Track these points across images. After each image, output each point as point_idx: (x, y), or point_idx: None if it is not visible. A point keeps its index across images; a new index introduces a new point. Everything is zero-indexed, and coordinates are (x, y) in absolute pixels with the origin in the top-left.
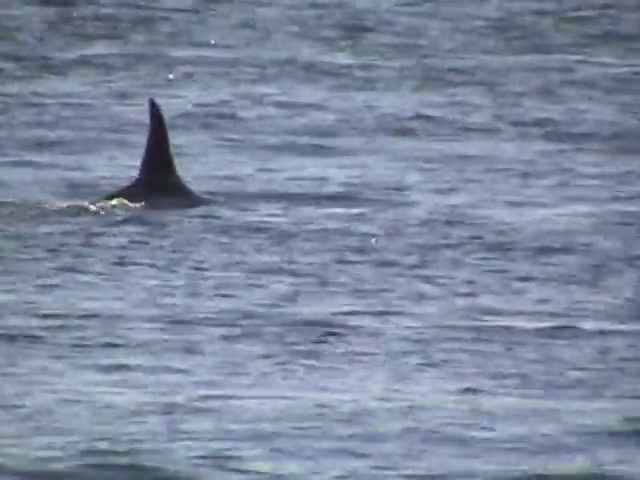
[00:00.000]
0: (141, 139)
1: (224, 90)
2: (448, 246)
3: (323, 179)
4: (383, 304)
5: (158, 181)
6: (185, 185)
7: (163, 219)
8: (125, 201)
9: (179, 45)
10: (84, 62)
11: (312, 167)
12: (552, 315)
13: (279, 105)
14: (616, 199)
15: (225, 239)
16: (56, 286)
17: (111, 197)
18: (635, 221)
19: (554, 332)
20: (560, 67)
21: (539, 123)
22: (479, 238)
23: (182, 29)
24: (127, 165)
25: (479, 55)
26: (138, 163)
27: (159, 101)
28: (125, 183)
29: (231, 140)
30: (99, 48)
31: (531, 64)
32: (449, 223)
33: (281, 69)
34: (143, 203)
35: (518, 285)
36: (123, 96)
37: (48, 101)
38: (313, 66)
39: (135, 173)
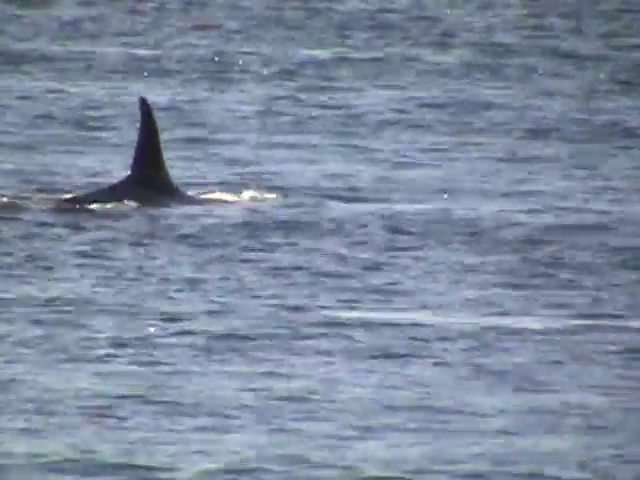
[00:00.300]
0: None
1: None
2: (395, 241)
3: (274, 174)
4: (324, 299)
5: (148, 177)
6: (172, 182)
7: (147, 215)
8: (113, 197)
9: (101, 41)
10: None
11: (262, 164)
12: (490, 311)
13: (219, 102)
14: (565, 196)
15: (200, 234)
16: (23, 275)
17: (101, 193)
18: (579, 219)
19: (490, 329)
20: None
21: (495, 117)
22: (429, 232)
23: (110, 25)
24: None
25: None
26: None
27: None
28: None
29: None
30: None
31: (480, 59)
32: (398, 217)
33: (219, 65)
34: (131, 199)
35: (460, 279)
36: (51, 91)
37: None
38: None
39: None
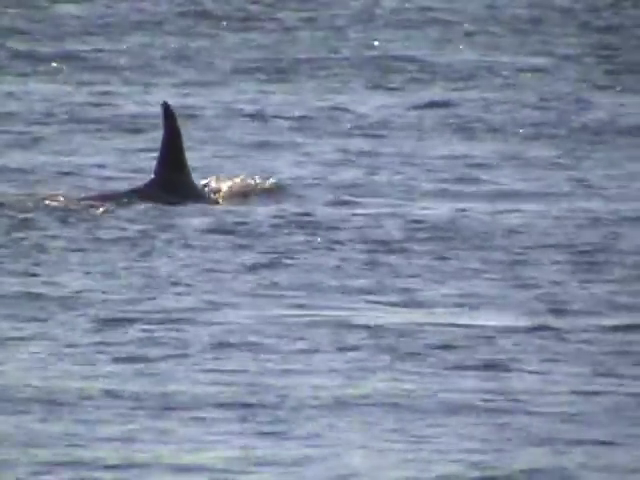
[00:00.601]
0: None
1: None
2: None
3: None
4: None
5: (171, 181)
6: (196, 185)
7: (165, 216)
8: (136, 199)
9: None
10: None
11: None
12: (482, 311)
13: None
14: (537, 195)
15: (212, 236)
16: (29, 273)
17: (123, 195)
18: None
19: (482, 328)
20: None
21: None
22: (428, 232)
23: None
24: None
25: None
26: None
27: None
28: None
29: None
30: None
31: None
32: (398, 218)
33: (219, 65)
34: (154, 201)
35: (457, 279)
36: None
37: None
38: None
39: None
